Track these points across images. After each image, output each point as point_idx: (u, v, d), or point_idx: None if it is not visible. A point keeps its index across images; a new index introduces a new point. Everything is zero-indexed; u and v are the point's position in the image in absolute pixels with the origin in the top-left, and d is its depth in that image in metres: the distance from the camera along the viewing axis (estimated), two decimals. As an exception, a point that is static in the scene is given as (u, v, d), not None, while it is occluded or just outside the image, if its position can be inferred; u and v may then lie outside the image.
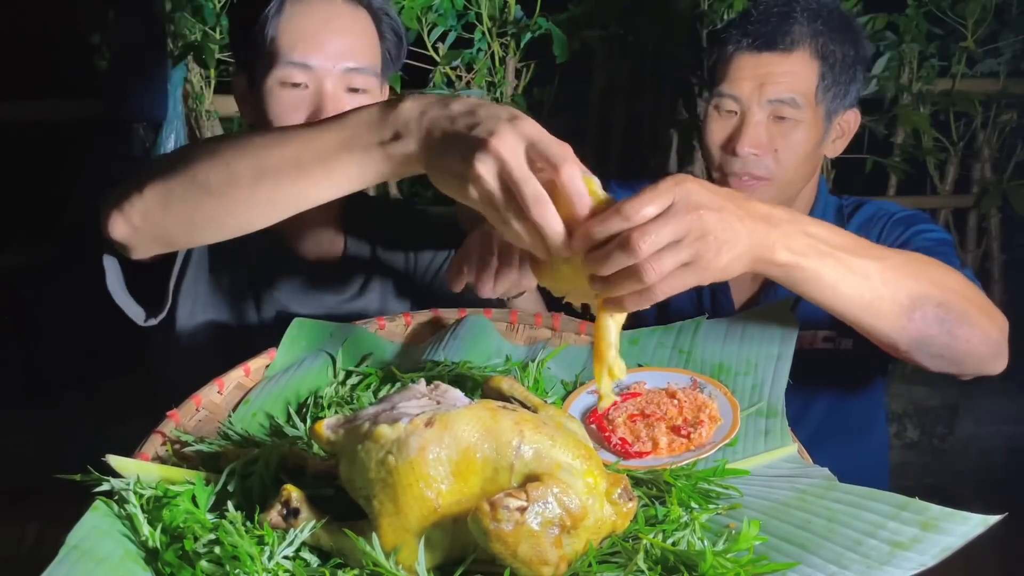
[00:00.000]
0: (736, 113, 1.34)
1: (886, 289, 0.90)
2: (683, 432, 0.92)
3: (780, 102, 1.31)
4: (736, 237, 0.79)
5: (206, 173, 0.88)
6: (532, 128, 0.76)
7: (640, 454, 0.90)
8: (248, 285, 1.32)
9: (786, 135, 1.33)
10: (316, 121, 0.88)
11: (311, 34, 1.18)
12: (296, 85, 1.18)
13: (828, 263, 0.86)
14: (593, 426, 0.95)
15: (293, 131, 0.87)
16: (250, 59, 1.22)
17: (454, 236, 1.32)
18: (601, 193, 0.78)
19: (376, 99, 1.23)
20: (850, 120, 1.40)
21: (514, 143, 0.75)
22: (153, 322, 1.11)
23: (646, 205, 0.76)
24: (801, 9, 1.32)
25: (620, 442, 0.91)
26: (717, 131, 1.36)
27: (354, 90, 1.21)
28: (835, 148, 1.42)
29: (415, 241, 1.43)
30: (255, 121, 1.25)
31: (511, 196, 0.75)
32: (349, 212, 1.37)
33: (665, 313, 1.50)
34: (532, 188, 0.75)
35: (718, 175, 1.38)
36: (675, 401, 0.97)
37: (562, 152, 0.76)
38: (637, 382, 1.01)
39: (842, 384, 1.45)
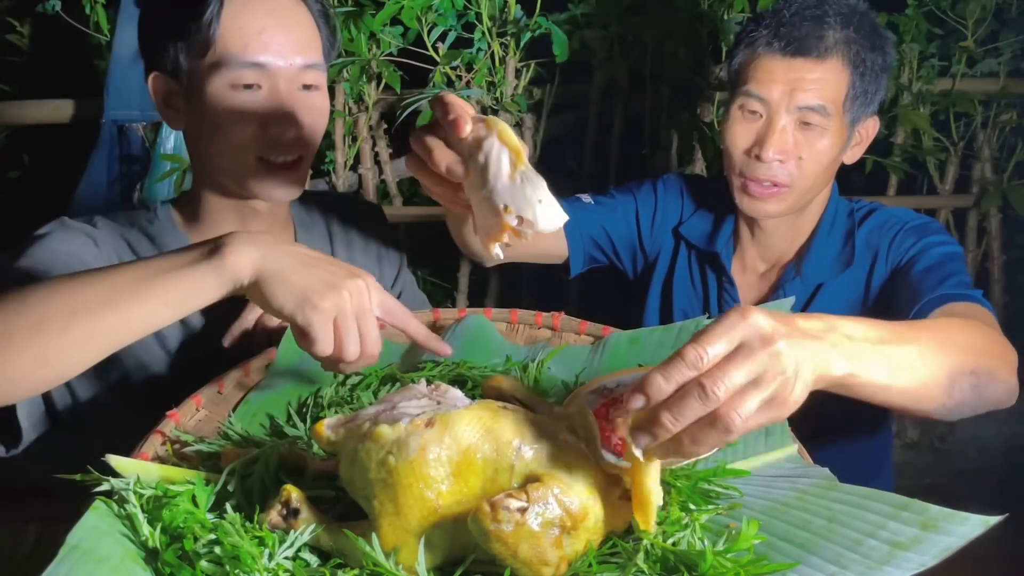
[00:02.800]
0: (760, 115, 1.31)
1: (929, 373, 0.87)
2: (683, 432, 0.91)
3: (809, 109, 1.28)
4: (805, 363, 0.71)
5: (12, 322, 0.80)
6: (380, 293, 0.90)
7: (640, 454, 0.89)
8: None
9: (811, 143, 1.30)
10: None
11: (260, 31, 1.10)
12: (248, 87, 1.10)
13: (875, 363, 0.81)
14: (593, 426, 0.95)
15: (111, 267, 0.86)
16: (187, 63, 1.12)
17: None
18: None
19: (325, 95, 1.17)
20: (869, 127, 1.38)
21: (375, 292, 0.89)
22: (15, 452, 1.02)
23: (714, 344, 0.68)
24: (834, 13, 1.28)
25: (620, 442, 0.91)
26: (741, 134, 1.33)
27: (307, 87, 1.14)
28: (853, 155, 1.39)
29: (375, 239, 1.37)
30: (189, 128, 1.17)
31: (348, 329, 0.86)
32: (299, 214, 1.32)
33: (669, 314, 1.49)
34: (373, 333, 0.89)
35: (739, 180, 1.35)
36: (675, 401, 0.96)
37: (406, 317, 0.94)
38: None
39: None
